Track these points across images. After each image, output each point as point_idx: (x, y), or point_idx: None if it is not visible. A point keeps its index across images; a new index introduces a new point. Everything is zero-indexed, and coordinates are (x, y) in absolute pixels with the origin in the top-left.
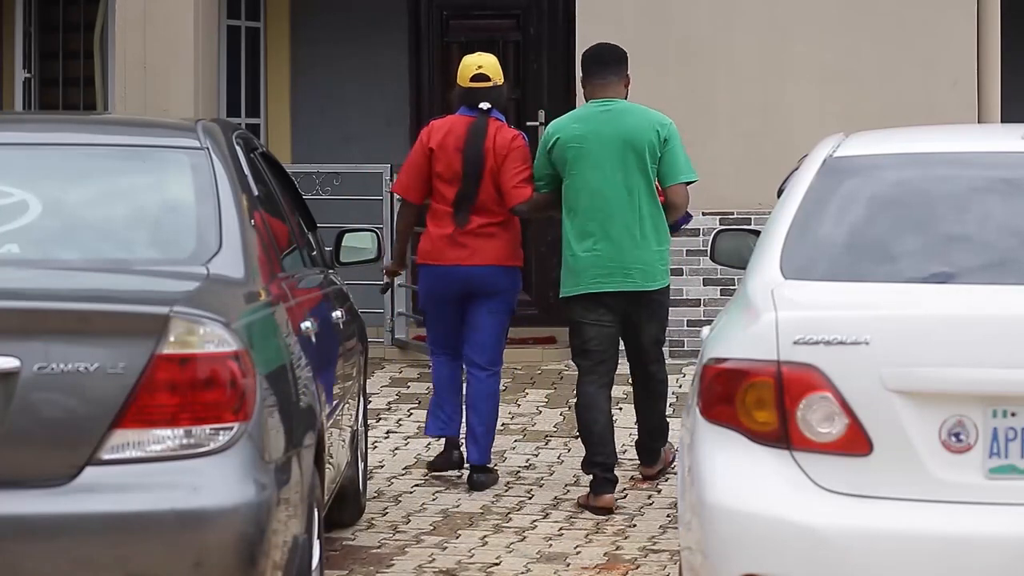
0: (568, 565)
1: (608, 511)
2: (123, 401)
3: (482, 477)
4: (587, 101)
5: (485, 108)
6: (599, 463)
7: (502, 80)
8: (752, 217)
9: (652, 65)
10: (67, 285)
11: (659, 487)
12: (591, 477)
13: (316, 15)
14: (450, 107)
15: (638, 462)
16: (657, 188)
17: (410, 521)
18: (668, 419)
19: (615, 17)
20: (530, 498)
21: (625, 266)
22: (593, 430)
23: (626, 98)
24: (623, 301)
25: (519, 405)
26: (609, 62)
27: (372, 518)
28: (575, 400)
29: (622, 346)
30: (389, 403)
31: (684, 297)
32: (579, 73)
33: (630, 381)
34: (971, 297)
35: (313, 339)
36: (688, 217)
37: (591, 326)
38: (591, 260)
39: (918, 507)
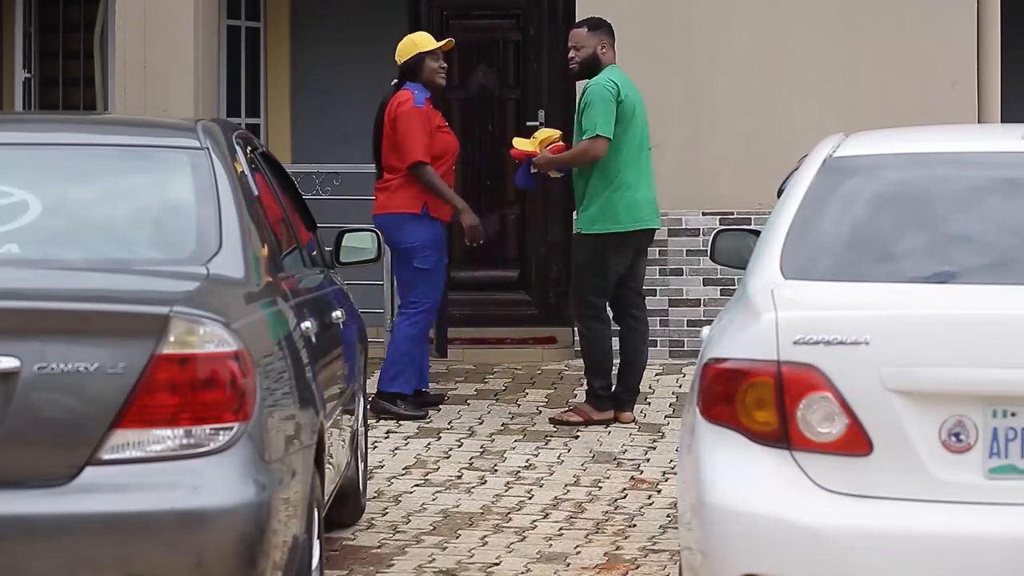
0: (568, 565)
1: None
2: (123, 401)
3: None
4: (614, 63)
5: (393, 83)
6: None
7: (402, 58)
8: (752, 217)
9: (652, 65)
10: (67, 285)
11: (659, 487)
12: (606, 397)
13: (316, 15)
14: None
15: (638, 462)
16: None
17: (410, 521)
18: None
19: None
20: (530, 498)
21: (656, 207)
22: (609, 360)
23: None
24: (648, 239)
25: (519, 405)
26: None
27: (372, 518)
28: (588, 335)
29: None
30: None
31: (684, 297)
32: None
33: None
34: (971, 297)
35: (313, 339)
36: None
37: (616, 270)
38: (648, 199)
39: (918, 507)
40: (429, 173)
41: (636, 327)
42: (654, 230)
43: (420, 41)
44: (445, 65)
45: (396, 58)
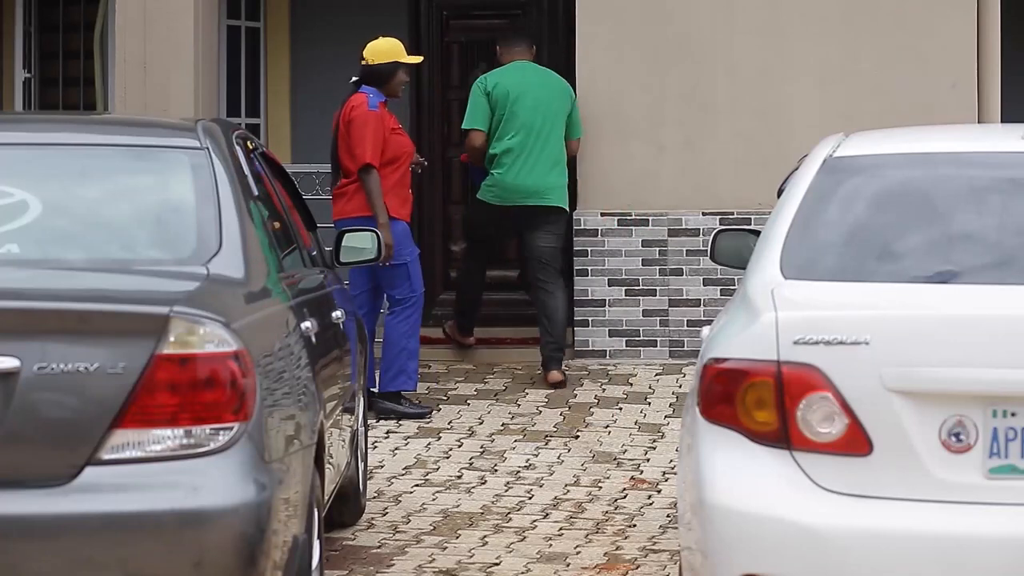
0: (568, 565)
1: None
2: (123, 401)
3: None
4: (514, 61)
5: (352, 80)
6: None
7: (374, 60)
8: (752, 217)
9: (652, 65)
10: (67, 285)
11: (659, 487)
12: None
13: (316, 15)
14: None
15: (638, 462)
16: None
17: (410, 521)
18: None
19: (615, 16)
20: (530, 498)
21: (541, 187)
22: (469, 297)
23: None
24: (528, 215)
25: (519, 405)
26: None
27: (372, 518)
28: (460, 275)
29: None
30: None
31: (684, 297)
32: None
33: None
34: (971, 297)
35: (313, 339)
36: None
37: (487, 231)
38: (519, 183)
39: (918, 507)
40: (373, 179)
41: (543, 287)
42: (539, 208)
43: (398, 51)
44: (408, 79)
45: (366, 57)
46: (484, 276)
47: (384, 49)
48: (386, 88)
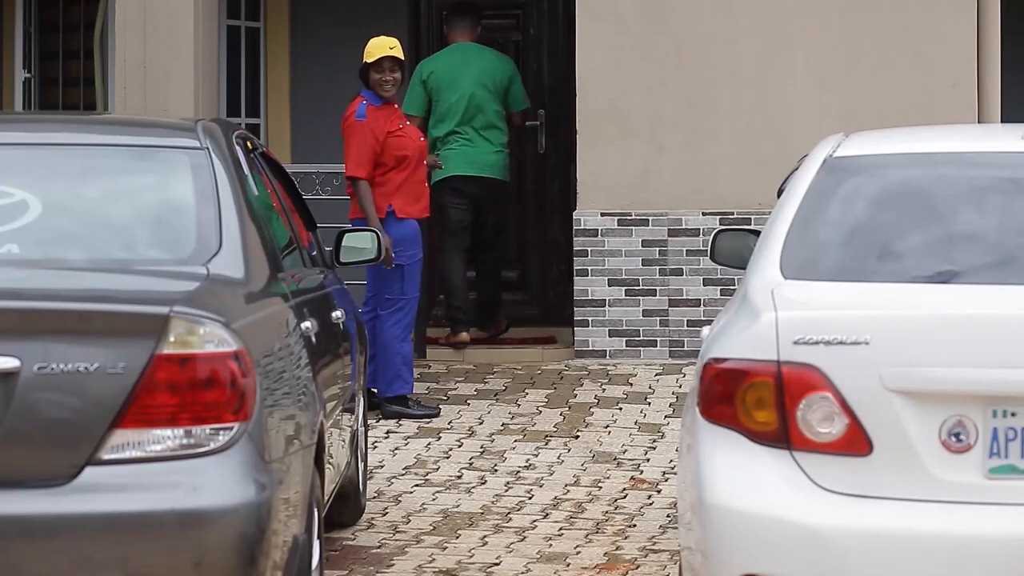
0: (568, 565)
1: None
2: (123, 401)
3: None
4: (456, 42)
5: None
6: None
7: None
8: (752, 217)
9: (652, 64)
10: (67, 285)
11: (659, 487)
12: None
13: (316, 15)
14: None
15: (638, 462)
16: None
17: (410, 521)
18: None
19: (615, 16)
20: (530, 498)
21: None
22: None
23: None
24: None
25: (519, 405)
26: None
27: (372, 518)
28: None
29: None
30: None
31: (684, 297)
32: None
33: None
34: (971, 297)
35: (313, 339)
36: None
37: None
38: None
39: (918, 507)
40: (362, 189)
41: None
42: (470, 177)
43: (370, 48)
44: (390, 77)
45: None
46: (464, 265)
47: (365, 50)
48: (373, 89)
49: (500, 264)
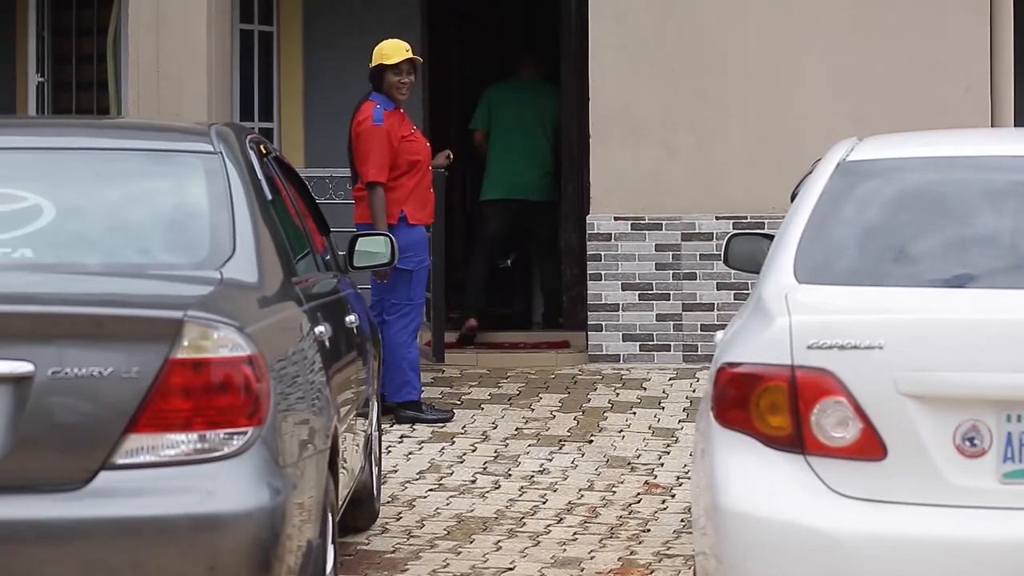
0: (582, 570)
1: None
2: (137, 405)
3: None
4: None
5: (369, 89)
6: None
7: (371, 63)
8: (765, 221)
9: (664, 69)
10: (81, 289)
11: (673, 492)
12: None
13: (329, 19)
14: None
15: (652, 467)
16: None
17: (424, 526)
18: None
19: (627, 22)
20: (544, 503)
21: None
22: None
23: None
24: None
25: (533, 409)
26: None
27: (386, 523)
28: None
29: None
30: None
31: (697, 301)
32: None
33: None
34: (985, 301)
35: (327, 343)
36: None
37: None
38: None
39: (932, 512)
40: (376, 196)
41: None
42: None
43: (386, 51)
44: (407, 80)
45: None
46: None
47: (376, 52)
48: (385, 92)
49: (557, 267)
